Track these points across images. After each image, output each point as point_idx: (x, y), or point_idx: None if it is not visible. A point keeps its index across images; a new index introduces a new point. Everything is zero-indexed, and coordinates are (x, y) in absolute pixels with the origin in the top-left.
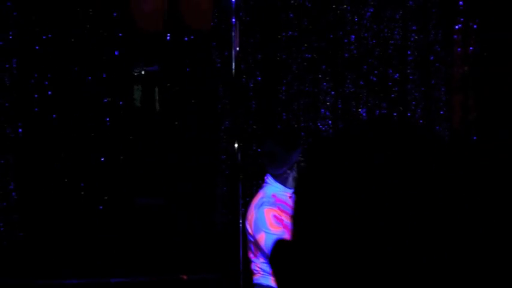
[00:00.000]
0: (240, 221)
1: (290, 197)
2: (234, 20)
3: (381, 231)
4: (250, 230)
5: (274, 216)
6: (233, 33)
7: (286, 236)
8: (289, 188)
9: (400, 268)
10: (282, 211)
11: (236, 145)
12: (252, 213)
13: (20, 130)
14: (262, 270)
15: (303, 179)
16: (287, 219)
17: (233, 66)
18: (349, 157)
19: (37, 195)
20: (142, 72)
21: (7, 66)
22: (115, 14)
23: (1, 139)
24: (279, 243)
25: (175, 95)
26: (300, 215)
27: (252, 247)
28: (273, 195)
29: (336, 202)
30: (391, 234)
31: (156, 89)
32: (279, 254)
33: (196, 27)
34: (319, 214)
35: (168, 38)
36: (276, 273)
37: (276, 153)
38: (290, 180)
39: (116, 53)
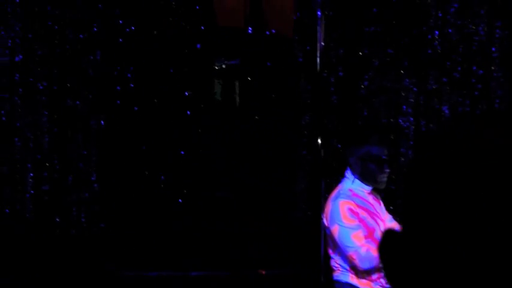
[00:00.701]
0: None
1: (369, 193)
2: (319, 13)
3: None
4: (326, 223)
5: (349, 209)
6: (318, 28)
7: (361, 230)
8: (367, 185)
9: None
10: (358, 205)
11: (319, 141)
12: (328, 206)
13: (103, 122)
14: (341, 267)
15: (410, 176)
16: (363, 214)
17: (318, 61)
18: (446, 156)
19: (118, 187)
20: (223, 66)
21: (91, 58)
22: (197, 8)
23: (84, 131)
24: (388, 234)
25: (255, 89)
26: (408, 208)
27: (331, 242)
28: (350, 190)
29: (438, 197)
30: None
31: (237, 83)
32: (388, 243)
33: (277, 22)
34: (425, 207)
35: (250, 31)
36: (384, 262)
37: (353, 141)
38: (363, 174)
39: (198, 46)
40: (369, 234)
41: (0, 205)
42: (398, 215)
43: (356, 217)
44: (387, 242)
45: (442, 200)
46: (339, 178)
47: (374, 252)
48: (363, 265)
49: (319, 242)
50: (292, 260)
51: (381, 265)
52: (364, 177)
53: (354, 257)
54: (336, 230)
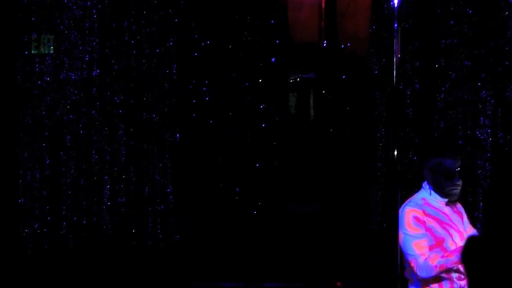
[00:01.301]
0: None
1: (445, 205)
2: (396, 25)
3: None
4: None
5: (415, 217)
6: (395, 40)
7: (426, 239)
8: (441, 197)
9: None
10: (427, 214)
11: (396, 153)
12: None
13: (178, 135)
14: (413, 277)
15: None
16: (430, 223)
17: (394, 74)
18: None
19: (193, 199)
20: (298, 80)
21: (167, 72)
22: (272, 22)
23: (160, 144)
24: (472, 239)
25: (330, 103)
26: (491, 214)
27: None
28: (423, 199)
29: None
30: None
31: (312, 96)
32: (471, 248)
33: (353, 35)
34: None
35: (325, 45)
36: (467, 267)
37: (427, 152)
38: (434, 186)
39: (273, 60)
40: (437, 243)
41: (77, 217)
42: (475, 227)
43: (422, 226)
44: (470, 249)
45: None
46: (414, 191)
47: (432, 262)
48: (420, 273)
49: (395, 254)
50: (368, 272)
51: (453, 275)
52: (435, 188)
53: (412, 264)
54: (400, 237)
